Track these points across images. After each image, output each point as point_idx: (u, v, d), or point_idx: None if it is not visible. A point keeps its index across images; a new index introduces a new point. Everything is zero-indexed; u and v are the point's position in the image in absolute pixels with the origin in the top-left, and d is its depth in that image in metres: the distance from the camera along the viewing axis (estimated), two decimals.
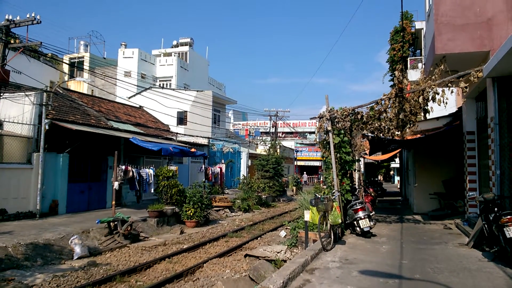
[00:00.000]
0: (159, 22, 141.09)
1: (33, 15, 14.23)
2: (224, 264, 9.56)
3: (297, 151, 52.44)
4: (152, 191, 16.64)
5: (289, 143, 57.87)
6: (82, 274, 8.42)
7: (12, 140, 13.67)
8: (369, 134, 12.40)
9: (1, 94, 13.85)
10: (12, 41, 14.93)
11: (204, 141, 27.77)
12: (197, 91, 33.78)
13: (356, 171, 15.53)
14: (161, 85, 39.12)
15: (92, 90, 33.60)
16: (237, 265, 9.52)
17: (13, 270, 8.35)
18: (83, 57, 37.16)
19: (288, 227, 12.12)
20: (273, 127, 37.23)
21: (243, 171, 33.07)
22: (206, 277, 8.39)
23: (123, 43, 40.01)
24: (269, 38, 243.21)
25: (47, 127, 14.00)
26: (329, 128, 10.43)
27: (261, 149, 41.04)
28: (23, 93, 14.26)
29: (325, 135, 10.92)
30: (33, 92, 14.36)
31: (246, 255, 10.12)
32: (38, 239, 10.00)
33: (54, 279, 7.90)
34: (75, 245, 9.92)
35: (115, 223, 11.85)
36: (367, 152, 18.74)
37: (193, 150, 19.54)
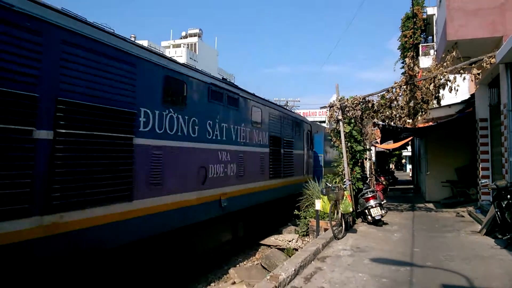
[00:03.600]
0: (168, 13, 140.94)
1: None
2: (236, 252, 9.68)
3: None
4: None
5: None
6: None
7: None
8: (380, 122, 12.32)
9: None
10: None
11: None
12: None
13: (367, 159, 15.46)
14: None
15: None
16: (250, 253, 9.63)
17: None
18: None
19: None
20: None
21: None
22: (218, 265, 8.51)
23: (133, 35, 40.05)
24: (278, 26, 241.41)
25: None
26: (340, 117, 10.39)
27: None
28: None
29: (335, 124, 10.89)
30: None
31: (258, 244, 10.23)
32: None
33: None
34: None
35: None
36: (378, 140, 18.64)
37: None
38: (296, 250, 8.82)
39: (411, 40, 24.18)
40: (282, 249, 9.34)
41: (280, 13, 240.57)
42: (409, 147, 30.58)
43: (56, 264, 4.68)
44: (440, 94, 9.95)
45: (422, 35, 25.86)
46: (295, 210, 10.60)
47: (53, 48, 4.60)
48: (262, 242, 10.14)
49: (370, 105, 10.54)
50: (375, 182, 15.70)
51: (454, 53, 9.44)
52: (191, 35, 47.68)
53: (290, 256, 7.76)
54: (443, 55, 9.95)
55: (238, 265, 8.48)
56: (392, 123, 11.17)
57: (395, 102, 10.42)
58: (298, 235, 10.03)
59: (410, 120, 11.18)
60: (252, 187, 9.66)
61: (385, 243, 8.10)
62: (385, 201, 11.16)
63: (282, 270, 5.62)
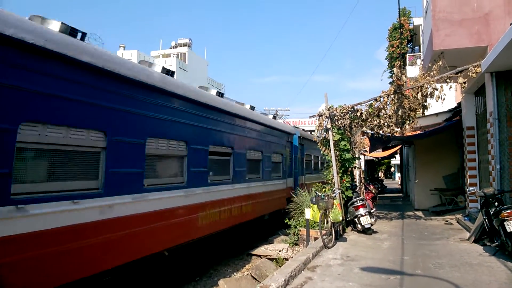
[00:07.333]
0: (157, 23, 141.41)
1: None
2: (226, 263, 9.59)
3: None
4: None
5: None
6: None
7: None
8: (369, 131, 12.41)
9: None
10: None
11: None
12: None
13: (357, 168, 15.52)
14: None
15: None
16: (239, 264, 9.55)
17: None
18: None
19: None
20: None
21: None
22: (208, 276, 8.41)
23: (122, 45, 40.16)
24: (267, 36, 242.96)
25: None
26: (329, 126, 10.44)
27: None
28: None
29: (324, 133, 10.93)
30: None
31: (248, 254, 10.14)
32: None
33: None
34: None
35: None
36: (367, 149, 18.76)
37: None
38: (287, 259, 8.77)
39: (398, 50, 24.50)
40: (272, 259, 9.27)
41: (270, 23, 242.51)
42: (397, 156, 30.84)
43: None
44: (427, 103, 10.07)
45: (409, 45, 26.25)
46: (286, 220, 10.58)
47: None
48: (252, 252, 10.06)
49: (358, 114, 10.61)
50: (364, 191, 15.75)
51: (440, 63, 9.58)
52: (180, 45, 47.69)
53: (280, 266, 7.71)
54: (430, 65, 10.09)
55: (227, 276, 8.39)
56: (380, 131, 11.26)
57: (383, 111, 10.52)
58: (288, 244, 9.98)
59: (398, 129, 11.28)
60: None
61: (375, 252, 8.09)
62: (374, 209, 11.19)
63: (272, 281, 5.56)
